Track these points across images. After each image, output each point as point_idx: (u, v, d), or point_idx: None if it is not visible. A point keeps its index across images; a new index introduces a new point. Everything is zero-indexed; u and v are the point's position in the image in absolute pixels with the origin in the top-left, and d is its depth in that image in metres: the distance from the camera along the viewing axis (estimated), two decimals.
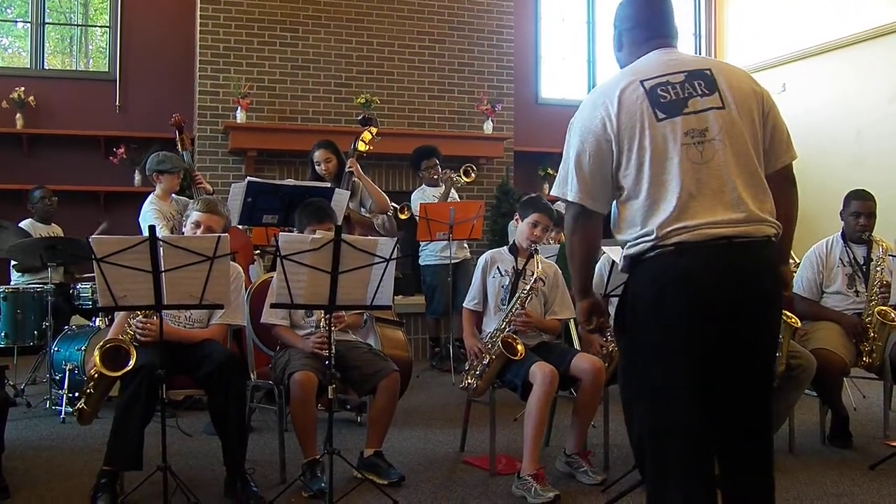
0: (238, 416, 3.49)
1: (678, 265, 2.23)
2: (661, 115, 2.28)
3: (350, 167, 5.32)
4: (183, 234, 3.91)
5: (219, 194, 5.84)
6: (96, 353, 3.30)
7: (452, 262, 6.45)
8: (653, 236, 2.25)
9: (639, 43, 2.47)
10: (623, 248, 2.38)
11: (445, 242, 6.46)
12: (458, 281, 6.40)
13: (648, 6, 2.51)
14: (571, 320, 4.28)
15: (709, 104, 2.29)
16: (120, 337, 3.42)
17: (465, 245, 6.90)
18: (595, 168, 2.33)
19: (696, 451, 2.26)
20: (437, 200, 6.67)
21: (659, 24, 2.48)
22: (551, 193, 2.52)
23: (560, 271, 4.17)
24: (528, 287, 3.86)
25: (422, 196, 6.85)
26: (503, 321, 3.86)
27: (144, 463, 3.30)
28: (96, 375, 3.35)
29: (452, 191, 6.87)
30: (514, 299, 3.89)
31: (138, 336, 3.45)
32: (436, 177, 6.87)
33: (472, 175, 7.05)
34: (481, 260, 4.16)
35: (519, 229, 4.09)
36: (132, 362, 3.27)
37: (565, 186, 2.38)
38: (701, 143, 2.26)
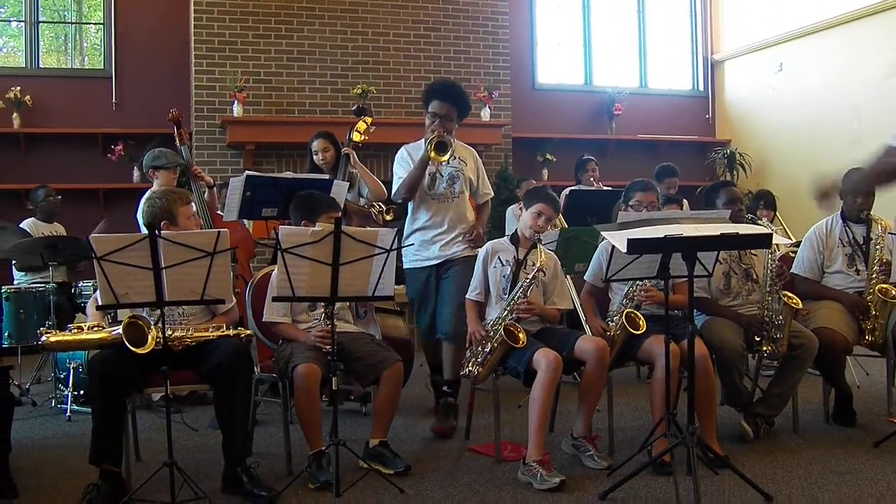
0: (244, 409, 3.49)
1: None
2: None
3: (346, 151, 5.26)
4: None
5: (217, 187, 5.83)
6: (126, 318, 3.29)
7: (441, 259, 4.58)
8: None
9: None
10: None
11: (430, 237, 4.62)
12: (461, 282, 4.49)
13: None
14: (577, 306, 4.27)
15: None
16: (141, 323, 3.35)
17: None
18: None
19: None
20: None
21: None
22: None
23: (559, 262, 4.17)
24: (529, 276, 3.86)
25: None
26: (505, 309, 3.87)
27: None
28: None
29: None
30: (517, 288, 3.89)
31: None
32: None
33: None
34: (482, 250, 4.16)
35: (522, 219, 4.08)
36: (149, 340, 3.25)
37: None
38: None
